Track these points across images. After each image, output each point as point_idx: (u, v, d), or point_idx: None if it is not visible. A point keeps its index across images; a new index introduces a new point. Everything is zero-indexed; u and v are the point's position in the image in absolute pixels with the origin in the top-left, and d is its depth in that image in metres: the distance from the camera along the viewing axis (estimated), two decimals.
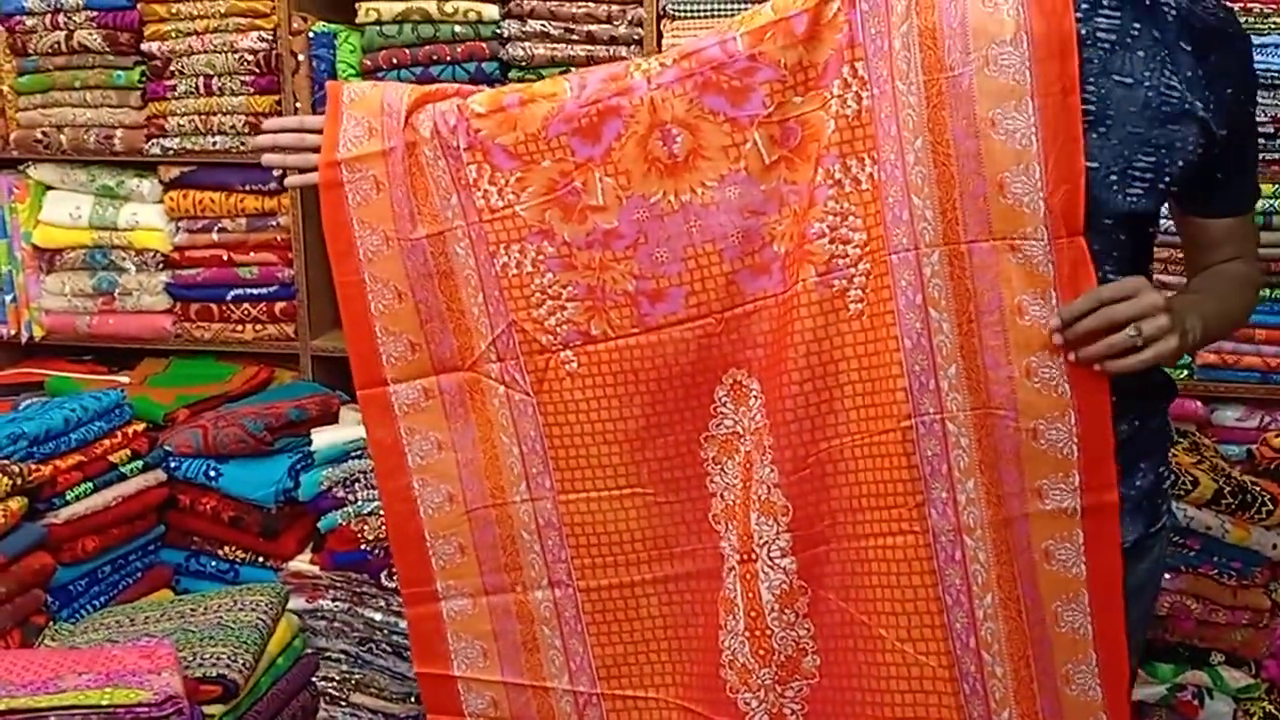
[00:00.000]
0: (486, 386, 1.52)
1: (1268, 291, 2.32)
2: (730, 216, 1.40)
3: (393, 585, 2.23)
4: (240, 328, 2.70)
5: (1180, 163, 1.29)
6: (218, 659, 1.70)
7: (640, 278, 1.44)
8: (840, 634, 1.45)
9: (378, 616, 2.25)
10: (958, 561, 1.37)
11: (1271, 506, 2.13)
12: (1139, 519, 1.49)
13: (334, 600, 2.26)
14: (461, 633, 1.58)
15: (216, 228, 2.66)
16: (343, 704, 2.27)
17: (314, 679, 2.05)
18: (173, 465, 2.31)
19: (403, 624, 2.25)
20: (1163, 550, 1.57)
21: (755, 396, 1.45)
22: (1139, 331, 1.20)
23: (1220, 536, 2.14)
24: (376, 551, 2.21)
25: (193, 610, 1.89)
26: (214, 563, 2.34)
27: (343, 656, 2.28)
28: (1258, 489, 2.14)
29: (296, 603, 2.23)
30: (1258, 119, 1.44)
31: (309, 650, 2.00)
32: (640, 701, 1.56)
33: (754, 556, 1.44)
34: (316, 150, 1.51)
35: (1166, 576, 2.19)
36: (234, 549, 2.33)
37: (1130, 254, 1.35)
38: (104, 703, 1.43)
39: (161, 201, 2.69)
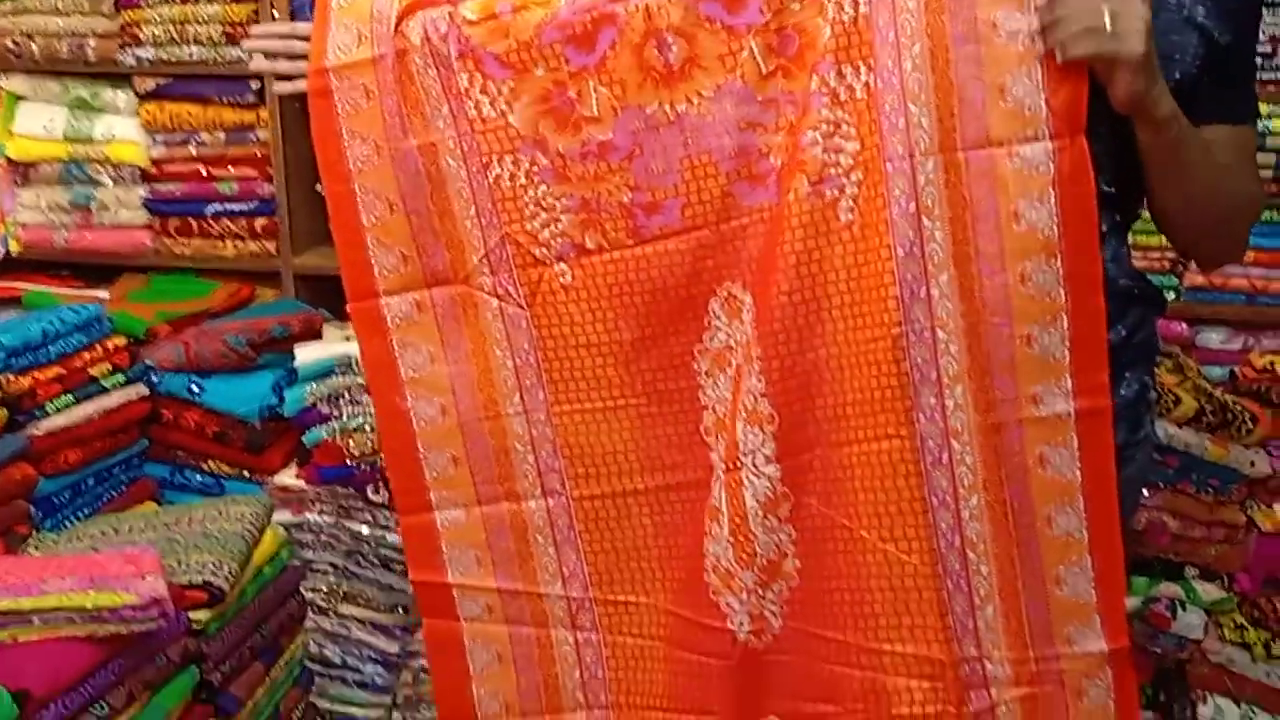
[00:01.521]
0: (479, 300, 1.51)
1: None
2: (726, 128, 1.38)
3: (379, 500, 2.24)
4: (220, 244, 2.66)
5: (1178, 74, 1.27)
6: (203, 566, 1.70)
7: (635, 190, 1.42)
8: (821, 538, 1.46)
9: (364, 530, 2.26)
10: (945, 464, 1.38)
11: (1251, 425, 2.15)
12: (1121, 427, 1.50)
13: (320, 514, 2.27)
14: (455, 542, 1.59)
15: (194, 141, 2.62)
16: (331, 615, 2.29)
17: (302, 589, 2.05)
18: (154, 380, 2.29)
19: (390, 537, 2.27)
20: (1144, 460, 1.59)
21: (748, 309, 1.44)
22: (1113, 17, 1.15)
23: (1200, 454, 2.16)
24: (362, 467, 2.21)
25: (177, 521, 1.89)
26: (199, 477, 2.33)
27: (330, 569, 2.29)
28: (1238, 408, 2.16)
29: (282, 516, 2.24)
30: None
31: (296, 562, 2.01)
32: (630, 607, 1.58)
33: (739, 465, 1.45)
34: (305, 58, 1.47)
35: (1145, 493, 2.22)
36: (219, 463, 2.32)
37: (1126, 163, 1.33)
38: (88, 605, 1.44)
39: (137, 114, 2.63)
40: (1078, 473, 1.36)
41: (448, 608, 1.62)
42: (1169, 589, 2.26)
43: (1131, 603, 2.26)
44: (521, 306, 1.50)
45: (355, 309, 1.53)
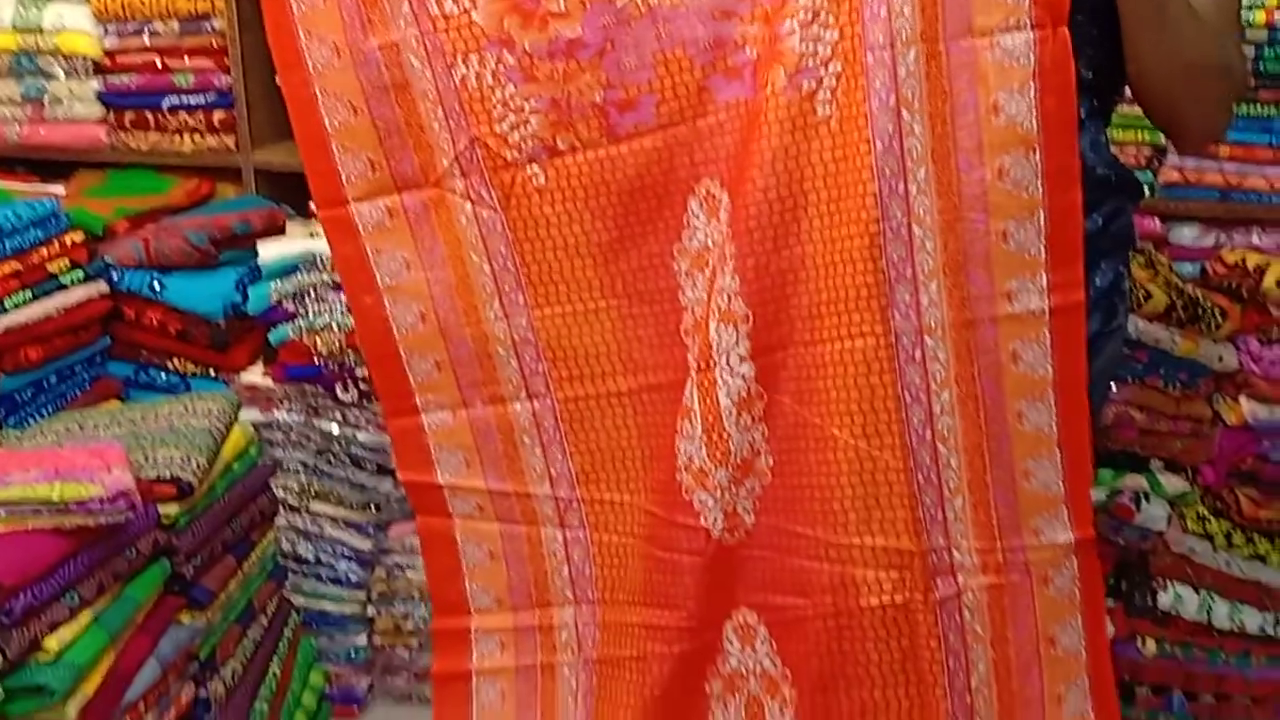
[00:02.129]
0: (452, 203, 1.47)
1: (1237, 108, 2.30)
2: (701, 18, 1.33)
3: (348, 398, 2.22)
4: (178, 138, 2.58)
5: None
6: (170, 461, 1.68)
7: (608, 87, 1.38)
8: (793, 435, 1.46)
9: (334, 429, 2.25)
10: (918, 361, 1.38)
11: (1220, 320, 2.15)
12: (1096, 316, 1.50)
13: (289, 413, 2.25)
14: (443, 444, 1.59)
15: (148, 30, 2.52)
16: (302, 513, 2.28)
17: (273, 487, 2.04)
18: (114, 277, 2.24)
19: (360, 436, 2.26)
20: (1117, 349, 1.59)
21: (725, 208, 1.41)
22: None
23: (1169, 349, 2.17)
24: (330, 365, 2.18)
25: (143, 417, 1.86)
26: (164, 375, 2.30)
27: (301, 467, 2.28)
28: (1208, 303, 2.16)
29: (251, 414, 2.21)
30: None
31: (265, 459, 1.99)
32: (615, 505, 1.58)
33: (712, 364, 1.43)
34: None
35: (1113, 388, 2.24)
36: (183, 361, 2.29)
37: (1105, 49, 1.31)
38: (54, 497, 1.41)
39: (88, 2, 2.53)
40: (1050, 368, 1.36)
41: (439, 506, 1.63)
42: (1134, 481, 2.29)
43: (1097, 495, 2.29)
44: (495, 210, 1.47)
45: (325, 217, 1.49)
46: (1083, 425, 1.39)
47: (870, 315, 1.36)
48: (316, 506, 2.29)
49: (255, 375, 2.26)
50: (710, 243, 1.44)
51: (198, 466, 1.69)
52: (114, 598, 1.52)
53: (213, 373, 2.29)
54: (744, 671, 1.58)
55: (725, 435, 1.45)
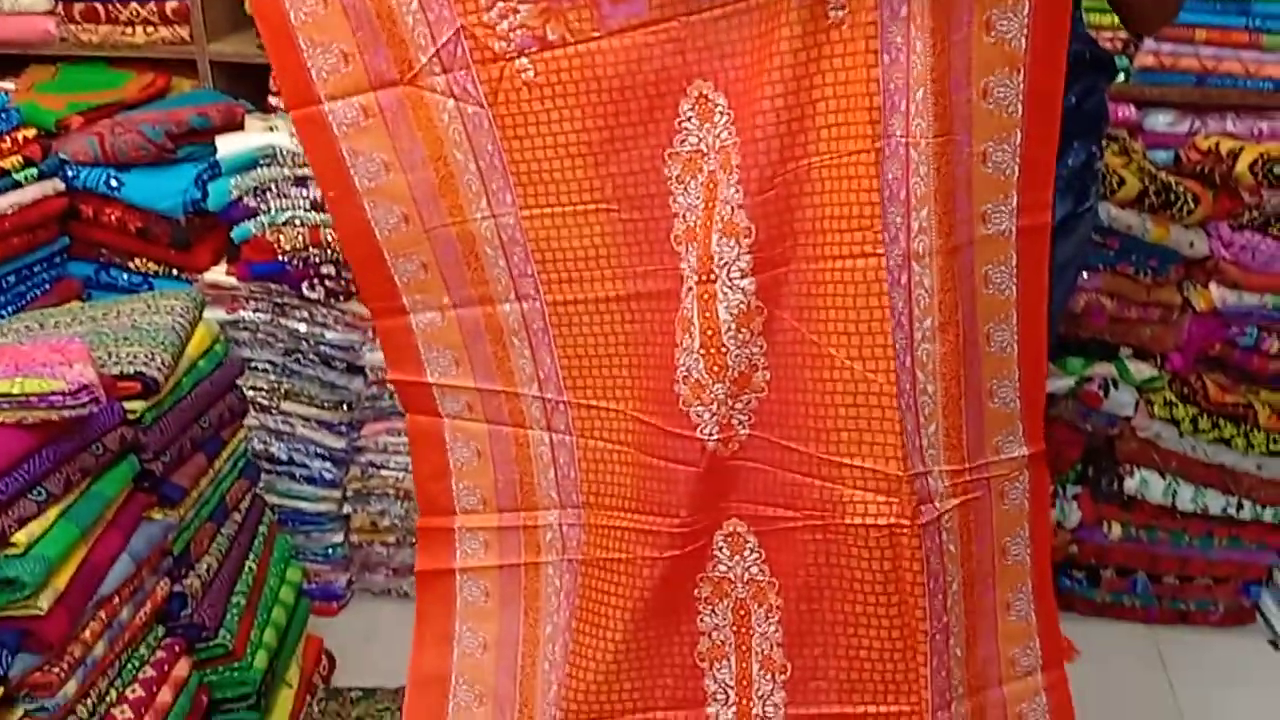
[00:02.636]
0: (431, 101, 1.41)
1: None
2: None
3: (315, 296, 2.19)
4: (130, 30, 2.49)
5: None
6: (134, 358, 1.65)
7: None
8: (791, 352, 1.45)
9: (302, 328, 2.22)
10: (903, 286, 1.37)
11: (1193, 205, 2.15)
12: (1068, 197, 1.49)
13: (255, 311, 2.22)
14: (432, 343, 1.56)
15: None
16: (273, 412, 2.27)
17: (242, 386, 2.02)
18: (70, 174, 2.18)
19: (329, 335, 2.24)
20: (1086, 232, 1.59)
21: (721, 112, 1.37)
22: None
23: (1141, 235, 2.17)
24: (295, 263, 2.15)
25: (105, 315, 1.82)
26: (125, 275, 2.26)
27: (270, 367, 2.26)
28: (1181, 188, 2.16)
29: (216, 314, 2.19)
30: None
31: (232, 357, 1.97)
32: (601, 412, 1.57)
33: (713, 277, 1.41)
34: None
35: (1086, 276, 2.24)
36: (145, 261, 2.25)
37: None
38: (14, 391, 1.39)
39: None
40: (1014, 289, 1.37)
41: (429, 404, 1.61)
42: (1103, 369, 2.31)
43: (1066, 383, 2.32)
44: (482, 105, 1.41)
45: (297, 117, 1.43)
46: (1040, 342, 1.41)
47: (873, 235, 1.34)
48: (287, 406, 2.27)
49: (219, 274, 2.22)
50: (704, 146, 1.41)
51: (162, 363, 1.67)
52: (82, 493, 1.51)
53: (175, 273, 2.25)
54: (732, 578, 1.60)
55: (723, 350, 1.44)
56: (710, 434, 1.50)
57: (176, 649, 1.70)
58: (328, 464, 2.32)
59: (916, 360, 1.41)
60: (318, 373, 2.26)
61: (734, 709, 1.66)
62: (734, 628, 1.63)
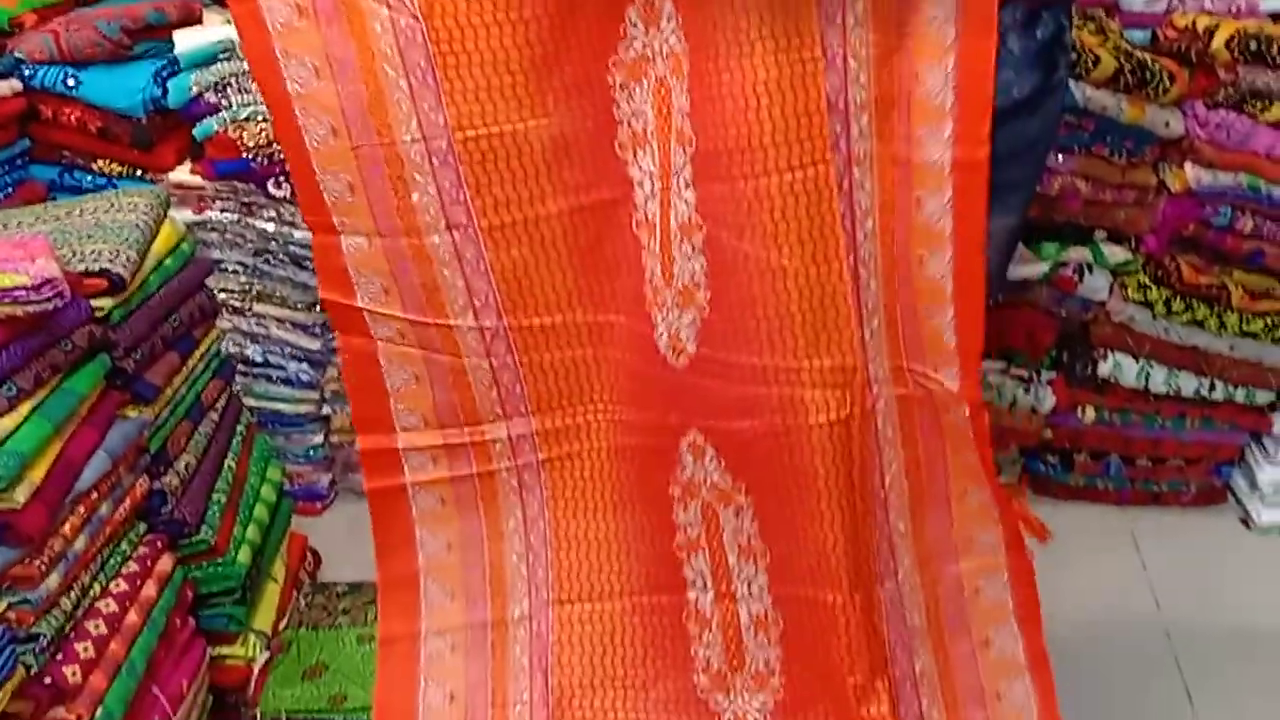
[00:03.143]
0: (365, 8, 1.35)
1: None
2: None
3: (281, 194, 2.16)
4: None
5: None
6: (99, 255, 1.63)
7: None
8: (732, 270, 1.45)
9: (270, 227, 2.19)
10: (844, 191, 1.38)
11: (1169, 83, 2.13)
12: (1036, 70, 1.47)
13: (222, 211, 2.19)
14: (361, 268, 1.52)
15: None
16: (246, 314, 2.26)
17: (213, 287, 2.00)
18: (26, 74, 2.13)
19: (297, 234, 2.21)
20: (1057, 107, 1.57)
21: (669, 17, 1.34)
22: None
23: (1116, 116, 2.15)
24: (259, 160, 2.11)
25: (68, 214, 1.80)
26: (89, 178, 2.22)
27: (240, 268, 2.24)
28: (1157, 66, 2.13)
29: (183, 215, 2.16)
30: None
31: (200, 256, 1.95)
32: (546, 327, 1.55)
33: (668, 185, 1.41)
34: None
35: (1060, 158, 2.23)
36: (108, 163, 2.21)
37: None
38: None
39: None
40: (949, 223, 1.36)
41: (360, 327, 1.57)
42: (1077, 253, 2.31)
43: (1040, 268, 2.32)
44: (416, 18, 1.35)
45: (236, 11, 1.38)
46: (977, 287, 1.40)
47: (820, 143, 1.34)
48: (260, 308, 2.26)
49: (184, 174, 2.18)
50: (649, 52, 1.37)
51: (128, 260, 1.65)
52: (53, 390, 1.50)
53: (140, 174, 2.22)
54: (697, 482, 1.63)
55: (671, 257, 1.45)
56: (661, 338, 1.52)
57: (158, 545, 1.71)
58: (304, 365, 2.31)
59: (860, 259, 1.42)
60: (288, 273, 2.24)
61: (711, 594, 1.70)
62: (704, 525, 1.66)
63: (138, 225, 1.74)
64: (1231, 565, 2.47)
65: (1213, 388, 2.41)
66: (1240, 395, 2.43)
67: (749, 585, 1.68)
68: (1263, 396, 2.44)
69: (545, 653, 1.75)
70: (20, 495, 1.39)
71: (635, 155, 1.42)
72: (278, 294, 2.25)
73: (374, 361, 1.60)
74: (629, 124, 1.41)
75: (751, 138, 1.35)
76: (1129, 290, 2.30)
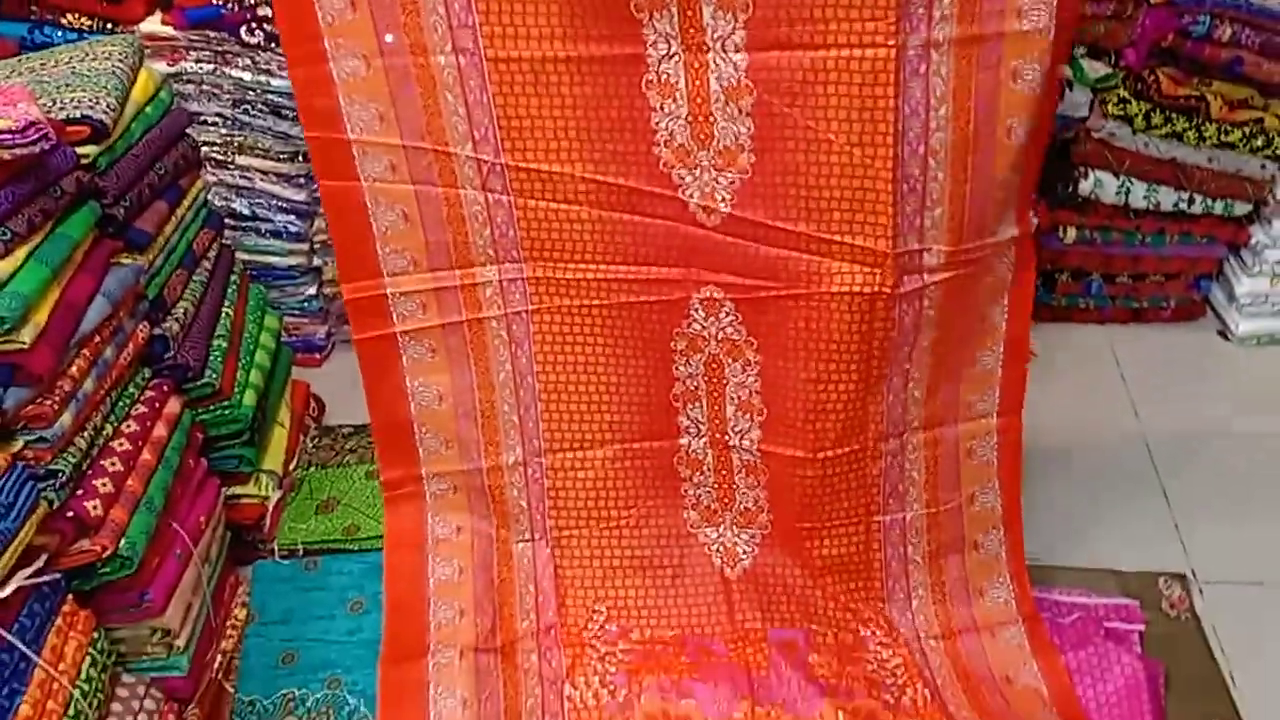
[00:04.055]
0: None
1: None
2: None
3: (255, 41, 2.14)
4: None
5: None
6: (79, 102, 1.63)
7: None
8: (780, 135, 1.48)
9: (246, 76, 2.18)
10: (922, 75, 1.41)
11: None
12: None
13: (197, 62, 2.17)
14: (354, 96, 1.51)
15: None
16: (230, 168, 2.26)
17: (195, 140, 2.00)
18: None
19: (274, 82, 2.20)
20: None
21: None
22: None
23: None
24: (230, 5, 2.09)
25: (44, 64, 1.79)
26: (58, 33, 2.19)
27: (219, 119, 2.23)
28: None
29: (158, 67, 2.14)
30: None
31: (179, 104, 1.94)
32: (545, 174, 1.56)
33: (706, 47, 1.42)
34: None
35: None
36: (78, 17, 2.17)
37: None
38: None
39: None
40: (1041, 85, 1.42)
41: (346, 167, 1.57)
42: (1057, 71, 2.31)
43: None
44: None
45: None
46: (1046, 134, 1.50)
47: (885, 26, 1.36)
48: (243, 160, 2.26)
49: (154, 24, 2.15)
50: None
51: (108, 106, 1.65)
52: (47, 235, 1.52)
53: (110, 27, 2.19)
54: (706, 336, 1.67)
55: (710, 119, 1.47)
56: (691, 196, 1.55)
57: (165, 388, 1.76)
58: (291, 217, 2.32)
59: (930, 148, 1.46)
60: (268, 123, 2.23)
61: (705, 439, 1.77)
62: (705, 377, 1.72)
63: (114, 73, 1.73)
64: (1210, 376, 2.55)
65: (1191, 201, 2.44)
66: (1219, 208, 2.46)
67: (742, 437, 1.75)
68: (1240, 208, 2.47)
69: (542, 496, 1.83)
70: (26, 336, 1.42)
71: (651, 17, 1.42)
72: (259, 145, 2.25)
73: (360, 206, 1.61)
74: None
75: (816, 8, 1.38)
76: (1109, 106, 2.31)
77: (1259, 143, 2.32)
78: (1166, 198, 2.43)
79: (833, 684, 1.70)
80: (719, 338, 1.68)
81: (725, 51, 1.42)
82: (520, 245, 1.64)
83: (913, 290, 1.56)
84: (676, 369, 1.72)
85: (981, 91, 1.43)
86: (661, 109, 1.49)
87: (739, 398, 1.72)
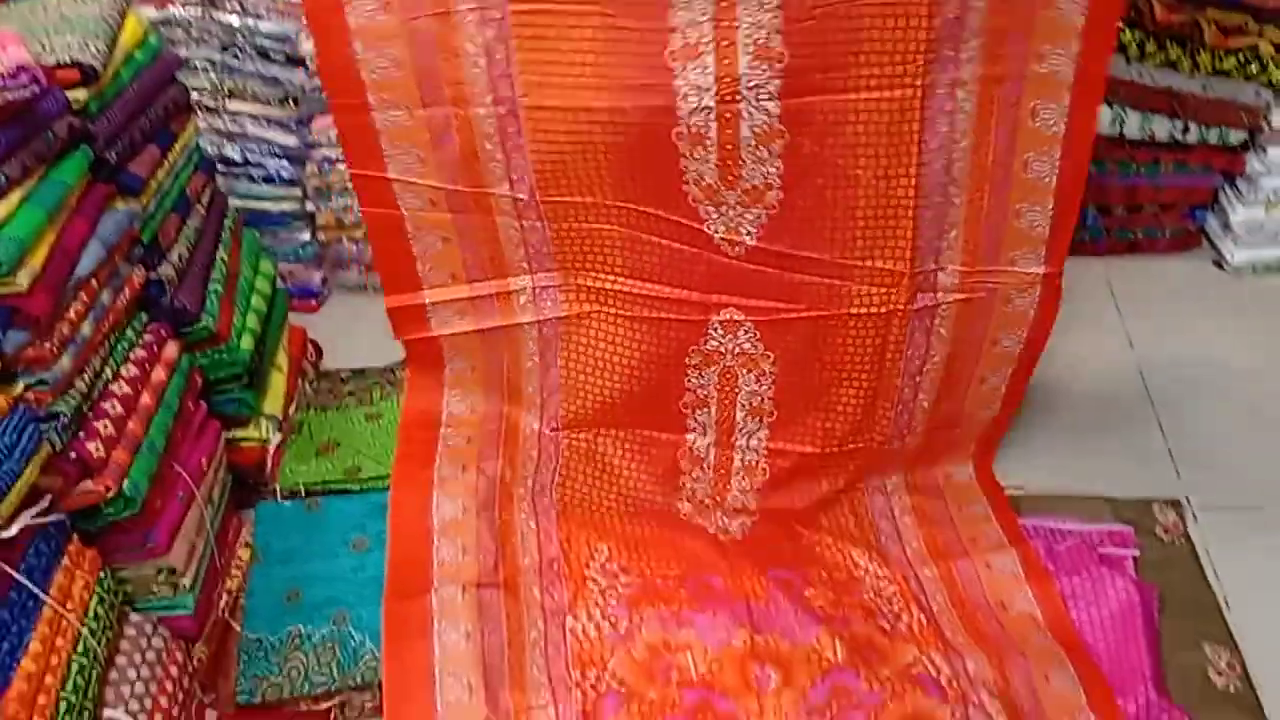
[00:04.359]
0: None
1: None
2: None
3: None
4: None
5: None
6: (68, 46, 1.62)
7: None
8: (810, 173, 1.54)
9: (234, 20, 2.17)
10: (948, 112, 1.49)
11: None
12: None
13: (184, 6, 2.16)
14: (397, 141, 1.58)
15: None
16: (221, 113, 2.26)
17: (185, 86, 1.99)
18: None
19: (263, 26, 2.19)
20: None
21: None
22: None
23: None
24: None
25: (31, 10, 1.77)
26: None
27: (209, 65, 2.22)
28: None
29: (146, 11, 2.12)
30: None
31: (168, 49, 1.93)
32: (579, 205, 1.63)
33: (739, 98, 1.46)
34: None
35: None
36: None
37: None
38: None
39: None
40: (1063, 127, 1.50)
41: (388, 199, 1.65)
42: None
43: None
44: None
45: None
46: (1080, 178, 1.54)
47: (914, 68, 1.43)
48: (234, 106, 2.25)
49: None
50: None
51: (97, 50, 1.64)
52: (41, 179, 1.52)
53: None
54: (722, 350, 1.74)
55: (740, 163, 1.53)
56: (716, 231, 1.61)
57: (162, 332, 1.77)
58: (283, 162, 2.32)
59: (952, 176, 1.54)
60: (257, 67, 2.22)
61: (710, 439, 1.83)
62: (718, 386, 1.79)
63: (102, 18, 1.72)
64: (1204, 305, 2.56)
65: (1186, 130, 2.43)
66: (1214, 137, 2.45)
67: (750, 438, 1.82)
68: (1235, 136, 2.46)
69: (553, 459, 1.87)
70: (23, 279, 1.43)
71: (686, 67, 1.45)
72: (249, 90, 2.24)
73: (400, 230, 1.69)
74: (684, 32, 1.44)
75: (850, 54, 1.44)
76: None
77: (1253, 69, 2.30)
78: (1161, 127, 2.43)
79: (830, 613, 1.73)
80: (735, 353, 1.76)
81: (759, 100, 1.47)
82: (552, 258, 1.71)
83: (926, 307, 1.66)
84: (689, 380, 1.80)
85: (1001, 127, 1.51)
86: (691, 155, 1.54)
87: (750, 404, 1.81)
